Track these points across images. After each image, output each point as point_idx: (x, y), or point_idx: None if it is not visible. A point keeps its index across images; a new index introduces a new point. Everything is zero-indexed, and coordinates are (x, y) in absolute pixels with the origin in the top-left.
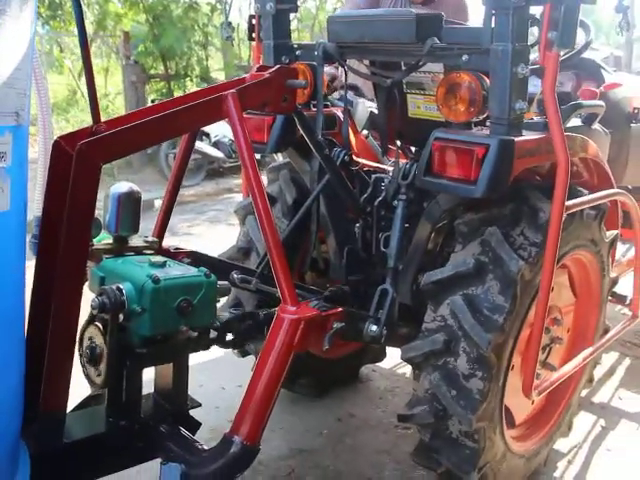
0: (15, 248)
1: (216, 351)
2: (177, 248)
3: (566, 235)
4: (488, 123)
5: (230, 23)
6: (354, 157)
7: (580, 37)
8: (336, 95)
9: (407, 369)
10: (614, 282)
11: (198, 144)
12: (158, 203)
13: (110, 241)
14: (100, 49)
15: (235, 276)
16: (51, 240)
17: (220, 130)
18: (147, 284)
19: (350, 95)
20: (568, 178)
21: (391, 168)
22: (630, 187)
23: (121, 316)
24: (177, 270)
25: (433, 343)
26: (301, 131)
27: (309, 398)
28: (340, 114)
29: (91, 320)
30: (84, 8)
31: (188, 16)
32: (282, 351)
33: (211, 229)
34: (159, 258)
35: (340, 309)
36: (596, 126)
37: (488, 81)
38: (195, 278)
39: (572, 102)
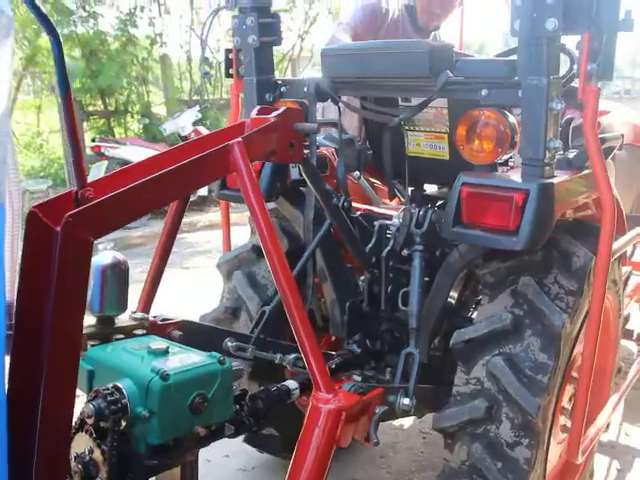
0: None
1: None
2: (165, 319)
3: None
4: (511, 163)
5: (207, 59)
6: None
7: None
8: (321, 134)
9: (404, 421)
10: (627, 319)
11: None
12: (102, 248)
13: (94, 323)
14: (30, 86)
15: (229, 344)
16: (30, 329)
17: None
18: (154, 382)
19: (335, 133)
20: (615, 224)
21: (392, 212)
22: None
23: (123, 422)
24: (185, 358)
25: (472, 410)
26: (307, 179)
27: None
28: (330, 155)
29: (80, 427)
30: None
31: (126, 50)
32: (322, 448)
33: (165, 274)
34: (159, 344)
35: (380, 389)
36: (609, 160)
37: (512, 117)
38: (209, 367)
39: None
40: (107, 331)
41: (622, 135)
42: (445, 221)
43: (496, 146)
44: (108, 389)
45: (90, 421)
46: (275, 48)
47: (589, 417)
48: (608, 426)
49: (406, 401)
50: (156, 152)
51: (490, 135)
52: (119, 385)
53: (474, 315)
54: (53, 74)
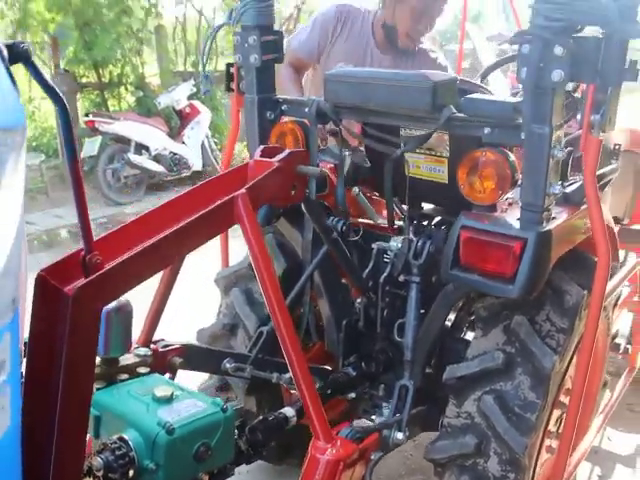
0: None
1: None
2: (166, 345)
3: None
4: (510, 198)
5: (208, 76)
6: (352, 221)
7: None
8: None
9: None
10: (614, 337)
11: (137, 159)
12: (95, 225)
13: (98, 363)
14: None
15: (228, 365)
16: (40, 384)
17: (160, 143)
18: (160, 436)
19: (335, 146)
20: (609, 269)
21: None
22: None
23: (130, 472)
24: (189, 406)
25: (463, 446)
26: (309, 217)
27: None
28: (329, 172)
29: (88, 473)
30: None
31: (121, 21)
32: None
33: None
34: (164, 390)
35: (375, 435)
36: (606, 188)
37: (513, 157)
38: (212, 416)
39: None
40: (112, 372)
41: (619, 146)
42: (443, 262)
43: (497, 187)
44: (116, 442)
45: (99, 473)
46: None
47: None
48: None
49: (399, 435)
50: (150, 127)
51: (491, 176)
52: (126, 437)
53: (467, 336)
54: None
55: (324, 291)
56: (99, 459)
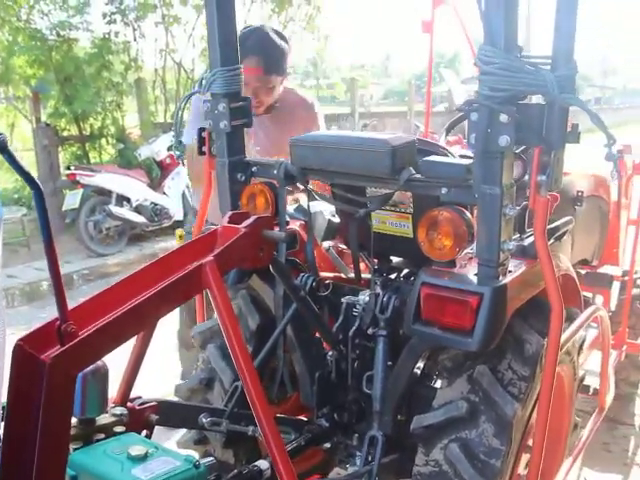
0: None
1: None
2: (142, 402)
3: None
4: (470, 253)
5: (181, 142)
6: (322, 276)
7: None
8: (292, 207)
9: None
10: (582, 380)
11: (119, 210)
12: (77, 277)
13: (75, 424)
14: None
15: (204, 420)
16: (17, 447)
17: (141, 194)
18: None
19: (305, 203)
20: (562, 323)
21: (359, 285)
22: (583, 272)
23: None
24: (162, 464)
25: None
26: (277, 277)
27: None
28: (300, 230)
29: None
30: None
31: (101, 76)
32: None
33: None
34: (138, 449)
35: None
36: (565, 237)
37: (469, 215)
38: (184, 473)
39: (548, 227)
40: (88, 432)
41: (581, 192)
42: (406, 317)
43: (454, 244)
44: None
45: None
46: None
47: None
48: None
49: None
50: (131, 179)
51: (448, 234)
52: None
53: (437, 384)
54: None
55: (297, 345)
56: None
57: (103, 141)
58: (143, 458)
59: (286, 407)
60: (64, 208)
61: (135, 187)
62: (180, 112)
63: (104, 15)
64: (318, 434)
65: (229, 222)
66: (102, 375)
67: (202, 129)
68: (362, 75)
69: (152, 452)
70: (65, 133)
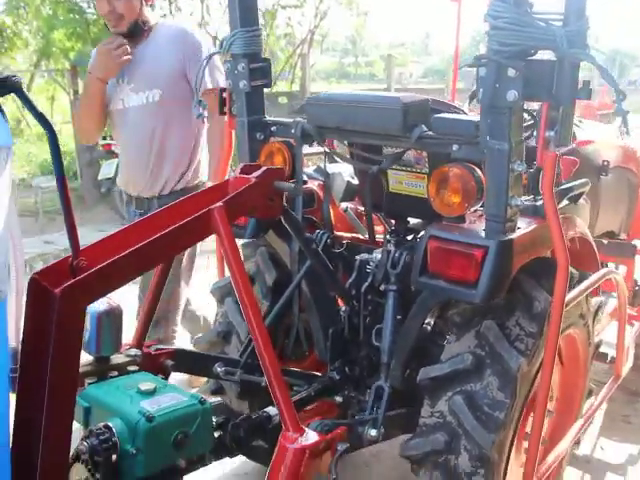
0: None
1: None
2: (158, 349)
3: None
4: (480, 211)
5: (201, 101)
6: (337, 235)
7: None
8: (311, 168)
9: None
10: (597, 346)
11: None
12: None
13: (91, 362)
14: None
15: (219, 369)
16: (32, 375)
17: None
18: (140, 423)
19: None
20: (568, 279)
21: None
22: (605, 242)
23: (114, 456)
24: (170, 399)
25: (434, 443)
26: (290, 231)
27: None
28: (318, 189)
29: (77, 458)
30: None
31: None
32: None
33: None
34: (148, 384)
35: (342, 428)
36: (581, 201)
37: (479, 172)
38: (190, 408)
39: (561, 187)
40: (103, 369)
41: (589, 183)
42: (413, 270)
43: (463, 200)
44: (100, 429)
45: (85, 457)
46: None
47: (555, 441)
48: (579, 443)
49: (373, 432)
50: None
51: (457, 190)
52: (110, 425)
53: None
54: (65, 66)
55: (312, 301)
56: (85, 443)
57: None
58: (152, 393)
59: (305, 365)
60: (100, 177)
61: None
62: (201, 72)
63: None
64: (328, 386)
65: (241, 173)
66: (116, 316)
67: (223, 89)
68: (401, 53)
69: (161, 388)
70: None
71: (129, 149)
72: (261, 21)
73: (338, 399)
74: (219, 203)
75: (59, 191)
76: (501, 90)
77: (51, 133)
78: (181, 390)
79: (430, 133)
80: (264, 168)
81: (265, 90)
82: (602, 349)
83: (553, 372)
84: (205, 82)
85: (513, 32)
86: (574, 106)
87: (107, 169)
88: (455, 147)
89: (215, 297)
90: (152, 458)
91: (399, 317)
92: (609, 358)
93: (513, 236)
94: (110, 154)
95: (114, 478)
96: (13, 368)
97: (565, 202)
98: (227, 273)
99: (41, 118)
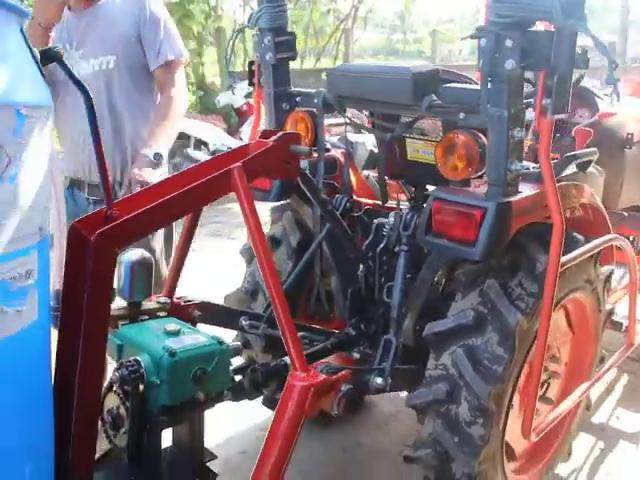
0: (42, 350)
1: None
2: (187, 300)
3: (561, 282)
4: (485, 177)
5: (231, 72)
6: (356, 199)
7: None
8: (335, 137)
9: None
10: (610, 314)
11: (196, 154)
12: None
13: (124, 306)
14: None
15: (244, 322)
16: (72, 313)
17: (218, 139)
18: (164, 357)
19: (350, 134)
20: (562, 239)
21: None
22: (626, 214)
23: (141, 386)
24: (192, 339)
25: (436, 392)
26: (307, 193)
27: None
28: (340, 156)
29: (110, 388)
30: None
31: (183, 24)
32: (294, 417)
33: (212, 243)
34: (173, 326)
35: (347, 371)
36: (591, 169)
37: (484, 138)
38: (209, 347)
39: (566, 154)
40: (135, 313)
41: (597, 152)
42: (419, 229)
43: (467, 165)
44: (130, 362)
45: (116, 386)
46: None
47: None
48: (589, 408)
49: (379, 380)
50: (209, 124)
51: (462, 155)
52: (138, 359)
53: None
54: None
55: (332, 262)
56: (117, 373)
57: None
58: (176, 333)
59: (331, 326)
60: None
61: (213, 132)
62: (232, 42)
63: None
64: (344, 341)
65: (261, 138)
66: (147, 266)
67: (252, 62)
68: (450, 29)
69: (185, 331)
70: None
71: (77, 126)
72: None
73: (355, 355)
74: (238, 163)
75: (95, 151)
76: (500, 59)
77: (87, 98)
78: (204, 333)
79: (439, 102)
80: (280, 133)
81: (309, 66)
82: (620, 319)
83: (564, 338)
84: (164, 52)
85: (510, 4)
86: (572, 75)
87: None
88: (462, 115)
89: (244, 258)
90: (174, 389)
91: (409, 276)
92: (624, 327)
93: (512, 199)
94: None
95: (142, 406)
96: (56, 307)
97: (573, 169)
98: None
99: (79, 84)
